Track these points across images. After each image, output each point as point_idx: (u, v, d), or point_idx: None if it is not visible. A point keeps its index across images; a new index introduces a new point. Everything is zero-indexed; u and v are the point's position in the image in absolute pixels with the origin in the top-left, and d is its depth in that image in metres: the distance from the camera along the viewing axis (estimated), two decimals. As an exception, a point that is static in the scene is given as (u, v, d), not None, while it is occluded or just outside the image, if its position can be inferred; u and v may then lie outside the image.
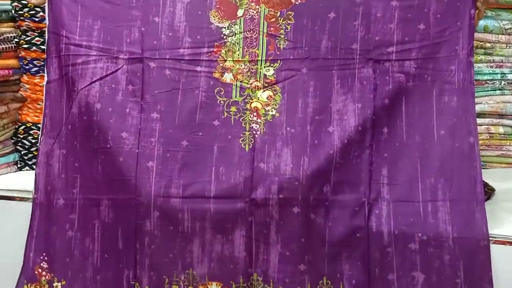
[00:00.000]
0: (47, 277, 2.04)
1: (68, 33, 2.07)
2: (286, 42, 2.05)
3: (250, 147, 1.99)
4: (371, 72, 1.98)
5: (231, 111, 2.04)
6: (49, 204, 2.06)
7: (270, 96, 2.04)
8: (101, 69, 2.05)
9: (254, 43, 2.07)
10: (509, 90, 2.53)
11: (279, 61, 2.05)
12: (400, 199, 1.92)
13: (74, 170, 2.06)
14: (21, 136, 2.47)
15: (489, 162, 2.56)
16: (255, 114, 2.03)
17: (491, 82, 2.52)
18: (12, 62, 2.43)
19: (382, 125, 1.96)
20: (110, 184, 2.01)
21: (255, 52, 2.07)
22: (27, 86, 2.47)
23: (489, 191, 2.14)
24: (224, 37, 2.08)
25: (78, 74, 2.05)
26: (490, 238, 1.83)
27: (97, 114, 2.01)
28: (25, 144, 2.47)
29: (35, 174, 2.08)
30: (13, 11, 2.37)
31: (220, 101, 2.05)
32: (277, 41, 2.06)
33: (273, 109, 2.03)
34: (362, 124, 1.95)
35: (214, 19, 2.09)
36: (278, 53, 2.05)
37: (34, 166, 2.18)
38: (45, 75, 2.11)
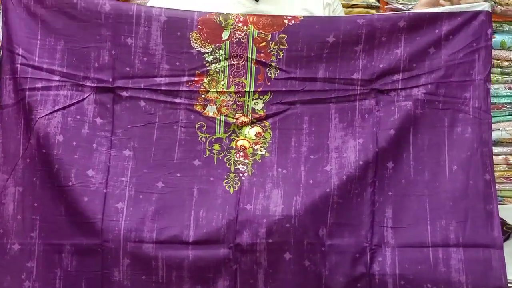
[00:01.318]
0: None
1: (25, 52, 1.86)
2: (278, 71, 1.88)
3: (236, 189, 1.83)
4: (374, 103, 1.85)
5: (214, 149, 1.88)
6: (2, 250, 1.84)
7: (259, 133, 1.89)
8: (65, 97, 1.85)
9: (241, 72, 1.90)
10: (530, 114, 2.38)
11: (269, 93, 1.88)
12: (407, 244, 1.78)
13: (32, 211, 1.84)
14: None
15: (507, 196, 2.42)
16: (241, 153, 1.87)
17: (509, 105, 2.37)
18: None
19: (386, 159, 1.82)
20: (74, 227, 1.82)
21: (242, 82, 1.90)
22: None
23: (508, 230, 2.05)
24: (207, 64, 1.89)
25: (37, 100, 1.84)
26: (509, 285, 1.73)
27: (59, 147, 1.81)
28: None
29: (-15, 218, 1.86)
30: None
31: (201, 137, 1.88)
32: (267, 69, 1.89)
33: (262, 148, 1.87)
34: (363, 159, 1.81)
35: (196, 43, 1.90)
36: (269, 83, 1.89)
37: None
38: (-1, 98, 1.89)
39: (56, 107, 1.83)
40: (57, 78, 1.85)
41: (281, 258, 1.76)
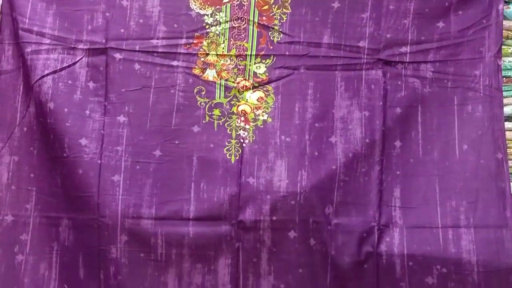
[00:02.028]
0: None
1: (18, 15, 1.80)
2: (281, 35, 1.85)
3: (237, 158, 1.79)
4: (381, 74, 1.81)
5: (214, 114, 1.83)
6: None
7: (261, 98, 1.84)
8: (55, 61, 1.80)
9: (243, 35, 1.86)
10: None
11: (272, 57, 1.84)
12: (416, 225, 1.75)
13: (28, 182, 1.79)
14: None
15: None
16: (242, 119, 1.83)
17: (523, 79, 2.29)
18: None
19: (394, 138, 1.79)
20: (71, 201, 1.77)
21: (243, 45, 1.85)
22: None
23: None
24: (207, 26, 1.85)
25: (27, 65, 1.78)
26: None
27: (51, 115, 1.76)
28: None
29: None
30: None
31: (200, 102, 1.83)
32: (270, 33, 1.85)
33: (264, 113, 1.83)
34: (370, 136, 1.78)
35: (195, 4, 1.85)
36: (271, 47, 1.84)
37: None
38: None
39: (46, 71, 1.78)
40: (47, 41, 1.81)
41: (285, 237, 1.73)
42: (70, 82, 1.79)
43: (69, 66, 1.80)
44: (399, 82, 1.80)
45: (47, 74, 1.77)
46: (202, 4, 1.84)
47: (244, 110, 1.82)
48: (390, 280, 1.72)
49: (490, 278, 1.67)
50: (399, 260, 1.72)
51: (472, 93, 1.79)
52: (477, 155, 1.75)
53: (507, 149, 1.78)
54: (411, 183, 1.78)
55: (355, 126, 1.79)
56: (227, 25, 1.84)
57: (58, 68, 1.79)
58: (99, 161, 1.75)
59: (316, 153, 1.77)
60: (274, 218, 1.72)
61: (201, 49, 1.84)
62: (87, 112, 1.78)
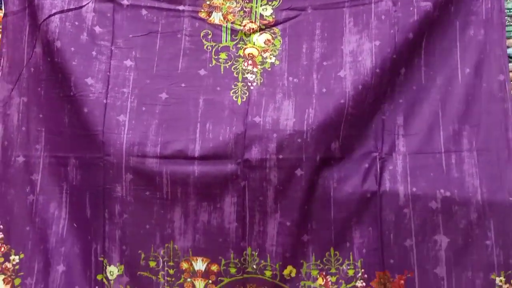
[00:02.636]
0: (2, 249, 1.80)
1: None
2: None
3: (244, 100, 1.81)
4: (391, 4, 1.80)
5: (220, 58, 1.86)
6: (6, 162, 1.83)
7: (268, 41, 1.87)
8: (62, 1, 1.84)
9: None
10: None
11: None
12: (418, 151, 1.75)
13: (38, 123, 1.84)
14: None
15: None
16: (250, 62, 1.86)
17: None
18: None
19: (400, 65, 1.78)
20: (77, 140, 1.81)
21: None
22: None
23: None
24: None
25: (34, 5, 1.83)
26: None
27: (58, 54, 1.79)
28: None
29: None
30: None
31: (207, 46, 1.87)
32: None
33: (272, 56, 1.86)
34: (380, 65, 1.75)
35: None
36: None
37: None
38: (2, 6, 1.91)
39: (53, 11, 1.81)
40: None
41: (292, 175, 1.73)
42: (77, 23, 1.83)
43: (75, 8, 1.84)
44: (411, 8, 1.78)
45: (54, 14, 1.81)
46: None
47: (252, 53, 1.85)
48: (393, 208, 1.71)
49: (494, 199, 1.66)
50: (402, 187, 1.71)
51: (474, 17, 1.79)
52: (479, 78, 1.75)
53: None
54: (414, 110, 1.78)
55: (366, 56, 1.77)
56: None
57: (65, 8, 1.82)
58: (104, 101, 1.78)
59: (324, 90, 1.77)
60: (280, 156, 1.72)
61: (207, -8, 1.88)
62: (94, 53, 1.82)
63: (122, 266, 1.79)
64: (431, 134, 1.75)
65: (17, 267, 1.79)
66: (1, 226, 1.80)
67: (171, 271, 1.78)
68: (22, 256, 1.80)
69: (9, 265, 1.79)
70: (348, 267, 1.75)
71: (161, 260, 1.78)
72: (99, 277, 1.79)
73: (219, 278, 1.77)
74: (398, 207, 1.72)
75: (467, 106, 1.74)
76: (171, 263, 1.78)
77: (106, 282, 1.79)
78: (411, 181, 1.71)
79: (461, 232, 1.68)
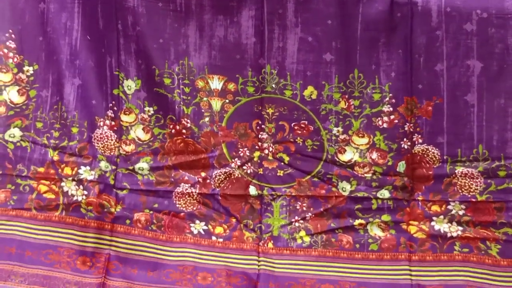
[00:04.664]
0: (15, 60, 1.82)
1: None
2: None
3: None
4: None
5: None
6: None
7: None
8: None
9: None
10: None
11: None
12: None
13: None
14: None
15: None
16: None
17: None
18: None
19: None
20: None
21: None
22: None
23: None
24: None
25: None
26: None
27: None
28: None
29: None
30: None
31: None
32: None
33: None
34: None
35: None
36: None
37: None
38: None
39: None
40: None
41: None
42: None
43: None
44: None
45: None
46: None
47: None
48: (425, 29, 1.66)
49: None
50: (435, 7, 1.64)
51: None
52: None
53: None
54: None
55: None
56: None
57: None
58: None
59: None
60: None
61: None
62: None
63: (140, 81, 1.81)
64: None
65: (31, 78, 1.83)
66: (13, 36, 1.81)
67: (187, 89, 1.79)
68: (36, 67, 1.83)
69: (23, 76, 1.82)
70: (374, 91, 1.72)
71: (176, 77, 1.78)
72: (115, 91, 1.82)
73: (237, 98, 1.78)
74: (431, 29, 1.67)
75: None
76: (186, 81, 1.78)
77: (123, 96, 1.83)
78: (446, 0, 1.63)
79: (496, 57, 1.65)
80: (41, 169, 1.85)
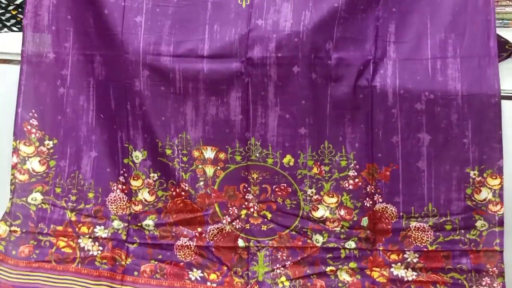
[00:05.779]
0: (37, 135, 2.07)
1: None
2: None
3: (248, 3, 1.95)
4: None
5: None
6: (39, 58, 2.05)
7: None
8: None
9: None
10: None
11: None
12: (407, 58, 1.91)
13: (66, 23, 2.04)
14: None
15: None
16: None
17: None
18: None
19: None
20: (101, 39, 2.02)
21: None
22: None
23: (510, 48, 2.04)
24: None
25: None
26: (502, 94, 1.84)
27: None
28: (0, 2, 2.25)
29: (23, 26, 2.03)
30: None
31: None
32: None
33: None
34: None
35: None
36: None
37: (14, 28, 2.24)
38: None
39: None
40: None
41: (289, 71, 1.91)
42: None
43: None
44: None
45: None
46: None
47: (255, -41, 1.97)
48: (383, 107, 1.90)
49: (473, 101, 1.83)
50: (391, 89, 1.88)
51: None
52: None
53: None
54: (405, 20, 1.90)
55: None
56: None
57: None
58: (123, 4, 1.95)
59: None
60: (279, 54, 1.89)
61: None
62: None
63: (146, 152, 2.05)
64: (420, 42, 1.88)
65: (51, 150, 2.07)
66: (36, 115, 2.04)
67: (185, 158, 2.03)
68: (55, 141, 2.07)
69: (44, 149, 2.06)
70: (341, 159, 1.98)
71: (175, 148, 2.03)
72: (125, 160, 2.07)
73: (226, 165, 2.03)
74: (387, 107, 1.90)
75: (454, 16, 1.86)
76: (184, 151, 2.03)
77: (132, 165, 2.07)
78: (399, 84, 1.88)
79: (442, 131, 1.87)
80: (60, 228, 2.07)
